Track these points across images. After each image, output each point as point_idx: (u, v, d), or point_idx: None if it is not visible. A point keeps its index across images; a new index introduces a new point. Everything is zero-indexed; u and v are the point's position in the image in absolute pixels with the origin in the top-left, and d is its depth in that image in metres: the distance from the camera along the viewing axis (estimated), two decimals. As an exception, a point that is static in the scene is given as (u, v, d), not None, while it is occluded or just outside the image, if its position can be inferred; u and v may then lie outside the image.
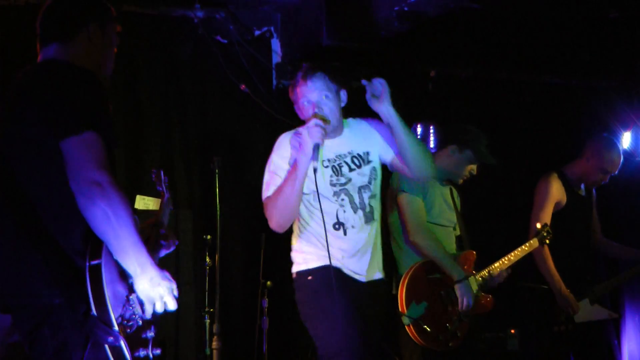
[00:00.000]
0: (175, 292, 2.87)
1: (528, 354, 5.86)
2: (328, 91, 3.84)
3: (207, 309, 5.66)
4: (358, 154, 3.92)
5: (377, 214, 3.94)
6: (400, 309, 4.55)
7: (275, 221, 3.72)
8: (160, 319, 5.56)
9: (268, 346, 5.96)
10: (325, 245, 3.65)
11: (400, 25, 5.46)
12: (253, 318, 6.02)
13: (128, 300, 2.85)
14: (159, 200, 5.88)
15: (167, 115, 6.33)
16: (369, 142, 3.98)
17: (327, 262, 3.66)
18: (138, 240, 2.75)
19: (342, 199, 3.82)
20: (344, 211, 3.80)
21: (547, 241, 5.13)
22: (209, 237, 5.71)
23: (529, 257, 5.16)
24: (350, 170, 3.87)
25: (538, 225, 5.15)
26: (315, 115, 3.73)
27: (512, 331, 6.19)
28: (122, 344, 2.74)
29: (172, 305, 2.84)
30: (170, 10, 6.13)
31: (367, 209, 3.86)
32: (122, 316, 2.80)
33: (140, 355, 2.88)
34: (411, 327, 4.54)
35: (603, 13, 6.03)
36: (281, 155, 3.83)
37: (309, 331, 3.86)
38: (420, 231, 4.76)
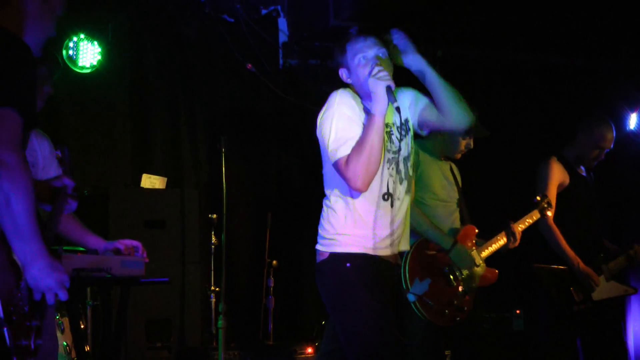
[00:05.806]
0: (67, 284, 2.73)
1: (534, 334, 5.86)
2: (382, 51, 3.69)
3: (213, 288, 5.69)
4: (401, 123, 3.67)
5: (412, 186, 3.79)
6: (404, 286, 4.57)
7: (362, 178, 3.41)
8: (166, 298, 5.63)
9: (273, 325, 5.99)
10: (372, 224, 3.53)
11: (406, 6, 5.43)
12: (259, 297, 6.05)
13: (18, 286, 2.71)
14: (165, 179, 5.92)
15: (174, 95, 6.33)
16: (405, 110, 3.75)
17: (368, 249, 3.53)
18: (35, 228, 2.63)
19: (393, 168, 3.62)
20: (394, 181, 3.60)
21: (549, 213, 5.08)
22: (215, 216, 5.72)
23: (541, 240, 5.14)
24: (399, 139, 3.65)
25: (538, 197, 5.11)
26: (377, 64, 3.54)
27: (518, 311, 6.19)
28: (4, 330, 2.62)
29: (64, 297, 2.73)
30: (177, -12, 6.13)
31: (408, 180, 3.70)
32: (9, 302, 2.66)
33: (22, 344, 2.71)
34: (417, 303, 4.57)
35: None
36: (350, 106, 3.55)
37: (338, 321, 3.59)
38: None
